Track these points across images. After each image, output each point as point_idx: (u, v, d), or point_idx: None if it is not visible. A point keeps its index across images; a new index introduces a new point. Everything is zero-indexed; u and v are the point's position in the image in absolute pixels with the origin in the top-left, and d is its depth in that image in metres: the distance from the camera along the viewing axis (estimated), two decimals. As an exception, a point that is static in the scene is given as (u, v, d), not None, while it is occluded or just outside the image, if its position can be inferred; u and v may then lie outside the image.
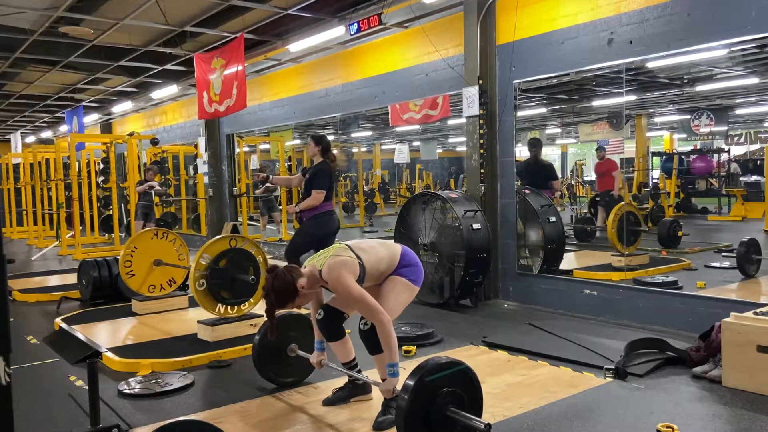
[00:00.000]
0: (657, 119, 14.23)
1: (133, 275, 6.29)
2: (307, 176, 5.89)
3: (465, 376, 3.01)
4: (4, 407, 1.66)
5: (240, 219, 11.95)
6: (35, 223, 14.76)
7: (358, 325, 3.52)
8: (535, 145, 8.05)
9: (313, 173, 5.87)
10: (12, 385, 1.68)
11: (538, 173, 7.73)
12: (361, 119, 12.38)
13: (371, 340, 3.43)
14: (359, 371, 3.74)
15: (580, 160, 17.40)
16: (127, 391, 4.11)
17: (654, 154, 14.37)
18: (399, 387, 3.02)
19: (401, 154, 15.85)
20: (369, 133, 15.22)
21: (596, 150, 10.81)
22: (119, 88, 13.13)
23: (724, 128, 12.38)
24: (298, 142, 14.72)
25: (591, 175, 17.69)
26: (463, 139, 6.94)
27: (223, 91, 8.94)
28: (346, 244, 3.49)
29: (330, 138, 6.05)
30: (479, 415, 3.01)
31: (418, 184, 17.86)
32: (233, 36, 8.67)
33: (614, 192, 10.02)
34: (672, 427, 3.26)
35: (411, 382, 2.86)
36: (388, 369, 3.28)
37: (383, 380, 3.39)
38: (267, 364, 4.07)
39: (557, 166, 18.10)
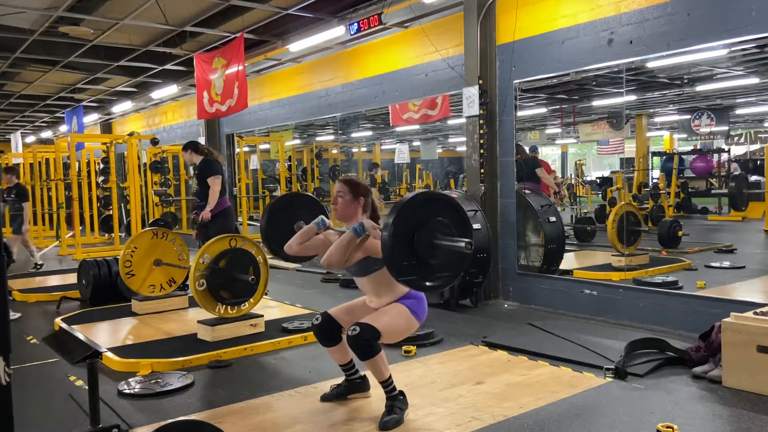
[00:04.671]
0: (657, 119, 14.22)
1: (133, 275, 6.30)
2: (197, 172, 6.18)
3: (450, 206, 3.08)
4: (4, 407, 1.66)
5: (240, 219, 11.94)
6: (35, 223, 14.73)
7: (347, 331, 3.37)
8: (519, 152, 8.06)
9: (203, 165, 6.21)
10: (12, 385, 1.68)
11: (524, 169, 7.90)
12: (361, 119, 12.35)
13: (360, 346, 3.30)
14: (357, 371, 3.75)
15: (580, 160, 17.41)
16: (127, 391, 4.11)
17: (654, 154, 14.36)
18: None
19: (401, 154, 15.80)
20: (369, 133, 15.23)
21: (529, 151, 10.00)
22: (119, 88, 13.14)
23: (725, 128, 12.37)
24: (298, 142, 14.71)
25: (591, 175, 17.72)
26: (463, 139, 6.94)
27: (224, 91, 8.94)
28: None
29: (330, 138, 6.23)
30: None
31: (418, 184, 17.82)
32: (233, 36, 8.67)
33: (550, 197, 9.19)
34: (672, 427, 3.26)
35: (392, 216, 2.94)
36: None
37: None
38: (274, 239, 4.04)
39: (557, 166, 18.13)
